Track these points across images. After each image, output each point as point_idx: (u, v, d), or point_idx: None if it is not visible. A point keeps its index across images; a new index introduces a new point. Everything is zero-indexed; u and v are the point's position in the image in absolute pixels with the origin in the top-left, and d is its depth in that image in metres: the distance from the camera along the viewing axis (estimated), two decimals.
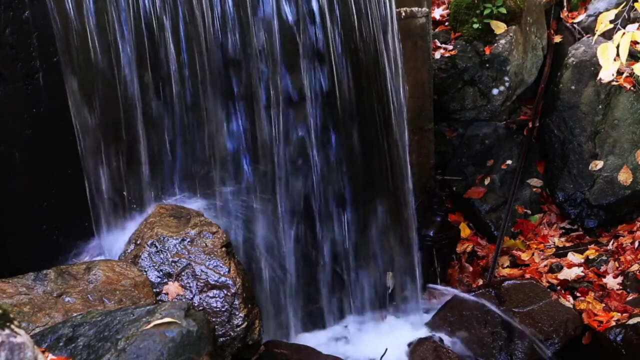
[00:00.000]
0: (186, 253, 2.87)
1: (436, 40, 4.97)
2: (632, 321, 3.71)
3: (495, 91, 4.99)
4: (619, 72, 4.63)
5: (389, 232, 4.04)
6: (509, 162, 5.02)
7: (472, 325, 3.83)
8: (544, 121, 5.08)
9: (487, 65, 4.94)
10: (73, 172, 3.01)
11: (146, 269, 2.84)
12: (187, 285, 2.81)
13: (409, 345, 3.67)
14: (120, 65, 3.04)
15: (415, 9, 4.29)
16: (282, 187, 3.60)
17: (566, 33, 5.36)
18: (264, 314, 3.08)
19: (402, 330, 3.95)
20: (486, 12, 4.91)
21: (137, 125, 3.13)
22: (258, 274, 3.55)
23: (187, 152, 3.32)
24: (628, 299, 4.15)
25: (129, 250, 2.94)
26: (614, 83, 4.72)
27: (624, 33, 2.86)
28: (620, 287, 4.27)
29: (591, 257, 4.52)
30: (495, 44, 4.93)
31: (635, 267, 4.32)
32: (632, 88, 4.78)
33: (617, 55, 2.87)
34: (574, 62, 4.99)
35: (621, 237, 4.65)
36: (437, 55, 4.92)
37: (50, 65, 2.89)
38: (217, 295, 2.80)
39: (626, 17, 3.85)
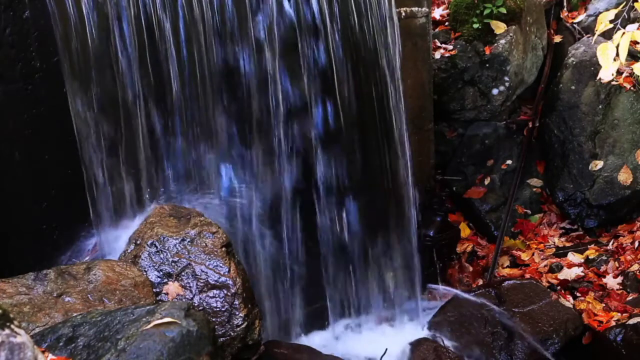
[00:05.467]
0: (186, 253, 2.87)
1: (436, 40, 4.97)
2: (632, 321, 3.71)
3: (495, 91, 4.99)
4: (619, 72, 4.63)
5: (389, 232, 4.05)
6: (509, 162, 5.02)
7: (472, 325, 3.83)
8: (544, 121, 5.08)
9: (487, 65, 4.94)
10: (73, 172, 3.01)
11: (146, 269, 2.83)
12: (187, 285, 2.81)
13: (409, 345, 3.66)
14: (120, 65, 3.04)
15: (415, 9, 4.29)
16: (283, 185, 3.60)
17: (566, 33, 5.36)
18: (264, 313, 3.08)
19: (402, 330, 3.95)
20: (486, 12, 4.91)
21: (137, 125, 3.13)
22: (258, 274, 3.54)
23: (187, 151, 3.31)
24: (628, 299, 4.15)
25: (129, 250, 2.93)
26: (614, 83, 4.72)
27: (623, 33, 2.86)
28: (620, 287, 4.27)
29: (591, 257, 4.52)
30: (495, 44, 4.93)
31: (635, 267, 4.31)
32: (632, 88, 4.78)
33: (617, 55, 2.87)
34: (574, 62, 4.99)
35: (621, 237, 4.65)
36: (437, 55, 4.92)
37: (50, 65, 2.88)
38: (217, 295, 2.80)
39: (626, 17, 3.86)
